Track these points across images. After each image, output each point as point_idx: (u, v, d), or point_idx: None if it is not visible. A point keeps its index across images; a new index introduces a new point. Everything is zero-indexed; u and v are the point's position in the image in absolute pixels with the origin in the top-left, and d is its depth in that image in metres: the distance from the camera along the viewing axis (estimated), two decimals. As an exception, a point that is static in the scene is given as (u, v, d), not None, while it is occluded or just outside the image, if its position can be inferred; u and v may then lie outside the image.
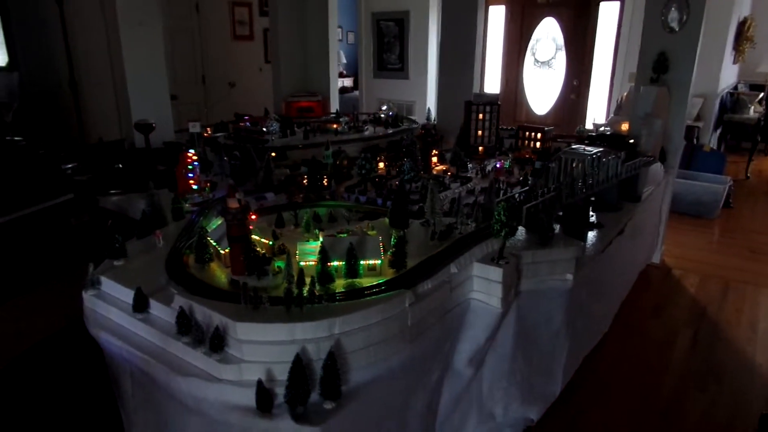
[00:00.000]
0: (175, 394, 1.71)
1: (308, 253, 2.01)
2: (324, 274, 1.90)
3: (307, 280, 1.78)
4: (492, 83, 7.70)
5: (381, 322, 1.73)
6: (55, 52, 5.67)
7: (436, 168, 4.00)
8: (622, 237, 3.21)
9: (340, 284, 1.92)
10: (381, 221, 2.59)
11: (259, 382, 1.56)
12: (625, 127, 4.46)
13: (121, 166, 3.84)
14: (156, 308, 1.87)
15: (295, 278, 1.71)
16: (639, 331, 3.50)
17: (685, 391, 2.91)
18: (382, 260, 2.03)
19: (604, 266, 2.94)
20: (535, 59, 7.29)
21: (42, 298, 2.55)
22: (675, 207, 5.77)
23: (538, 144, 4.51)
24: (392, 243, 2.07)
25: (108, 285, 2.02)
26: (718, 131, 7.20)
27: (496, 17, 7.42)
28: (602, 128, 4.74)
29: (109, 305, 1.96)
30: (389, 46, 7.22)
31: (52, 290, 2.05)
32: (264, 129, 4.37)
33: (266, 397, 1.57)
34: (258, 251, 1.99)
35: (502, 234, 2.13)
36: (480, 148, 4.55)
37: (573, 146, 3.09)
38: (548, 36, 7.12)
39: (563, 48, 7.02)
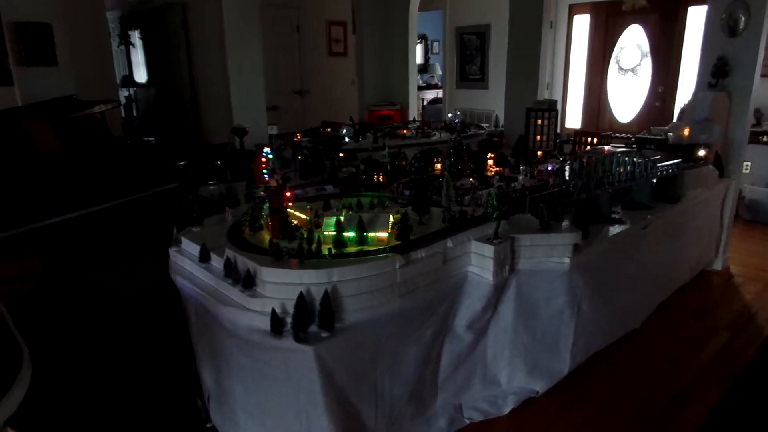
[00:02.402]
0: (219, 321, 2.30)
1: (330, 225, 2.52)
2: (338, 241, 2.40)
3: (325, 246, 2.32)
4: (576, 91, 7.76)
5: (372, 276, 2.19)
6: (181, 70, 6.80)
7: (492, 169, 4.36)
8: (652, 235, 3.36)
9: (352, 250, 2.41)
10: (408, 208, 3.03)
11: (273, 311, 2.09)
12: (686, 132, 4.47)
13: (219, 163, 4.65)
14: (215, 260, 2.49)
15: (306, 239, 2.23)
16: (675, 329, 3.57)
17: (702, 385, 2.98)
18: (389, 233, 2.49)
19: (621, 259, 3.13)
20: (620, 67, 7.25)
21: (151, 257, 3.38)
22: (761, 217, 5.56)
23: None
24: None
25: (186, 243, 2.69)
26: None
27: (581, 26, 7.49)
28: (665, 134, 4.74)
29: (185, 258, 2.62)
30: (471, 58, 7.59)
31: (161, 252, 2.83)
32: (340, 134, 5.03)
33: (278, 323, 2.09)
34: (292, 221, 2.55)
35: (494, 216, 2.50)
36: (539, 153, 4.79)
37: (597, 147, 3.31)
38: (633, 43, 7.06)
39: (648, 55, 6.93)
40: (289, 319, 2.10)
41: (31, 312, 3.16)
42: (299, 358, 2.08)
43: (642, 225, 3.23)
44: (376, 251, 2.34)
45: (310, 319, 2.09)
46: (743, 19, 4.00)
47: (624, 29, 7.10)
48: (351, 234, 2.45)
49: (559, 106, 7.59)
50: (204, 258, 2.50)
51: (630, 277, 3.31)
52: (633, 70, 7.15)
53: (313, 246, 2.24)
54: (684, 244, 3.86)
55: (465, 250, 2.55)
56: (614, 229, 3.09)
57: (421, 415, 2.58)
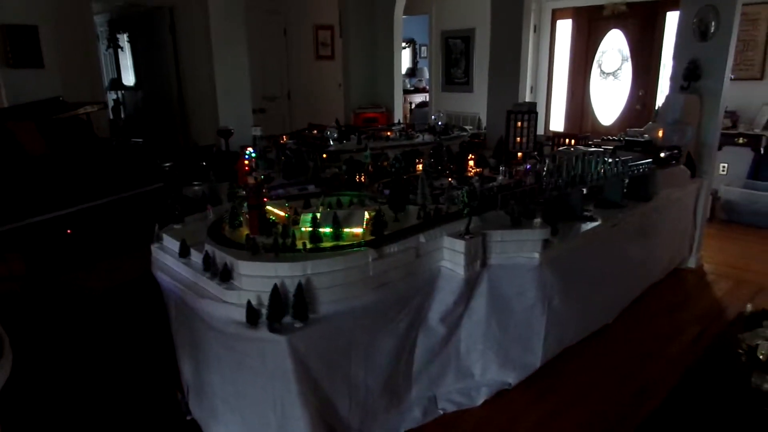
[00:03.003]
0: (198, 313, 2.37)
1: (307, 221, 2.60)
2: (314, 236, 2.48)
3: (300, 242, 2.40)
4: (559, 94, 7.90)
5: (345, 269, 2.27)
6: (168, 73, 6.84)
7: (472, 170, 4.46)
8: (624, 233, 3.46)
9: (327, 245, 2.49)
10: (386, 207, 3.12)
11: (249, 303, 2.17)
12: (660, 134, 4.59)
13: (204, 164, 4.72)
14: (194, 255, 2.55)
15: (281, 234, 2.31)
16: (646, 325, 3.67)
17: (669, 378, 3.07)
18: (363, 229, 2.57)
19: (592, 255, 3.23)
20: (601, 71, 7.40)
21: (135, 255, 3.45)
22: (735, 217, 5.69)
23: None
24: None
25: (167, 240, 2.76)
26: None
27: (564, 31, 7.64)
28: (641, 135, 4.87)
29: (166, 254, 2.69)
30: (456, 62, 7.72)
31: (145, 250, 2.90)
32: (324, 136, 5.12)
33: (253, 314, 2.17)
34: (270, 218, 2.63)
35: (465, 212, 2.59)
36: (519, 154, 4.90)
37: (571, 148, 3.41)
38: (614, 48, 7.21)
39: (629, 59, 7.09)
40: (264, 311, 2.18)
41: (16, 312, 3.21)
42: (273, 348, 2.15)
43: (612, 223, 3.33)
44: (351, 246, 2.42)
45: (285, 310, 2.17)
46: (713, 23, 4.13)
47: (605, 34, 7.26)
48: (327, 230, 2.53)
49: (543, 109, 7.77)
50: (184, 253, 2.57)
51: (602, 273, 3.41)
52: (614, 74, 7.30)
53: (288, 240, 2.31)
54: (657, 242, 3.97)
55: (438, 245, 2.64)
56: (585, 226, 3.19)
57: (396, 407, 2.65)
